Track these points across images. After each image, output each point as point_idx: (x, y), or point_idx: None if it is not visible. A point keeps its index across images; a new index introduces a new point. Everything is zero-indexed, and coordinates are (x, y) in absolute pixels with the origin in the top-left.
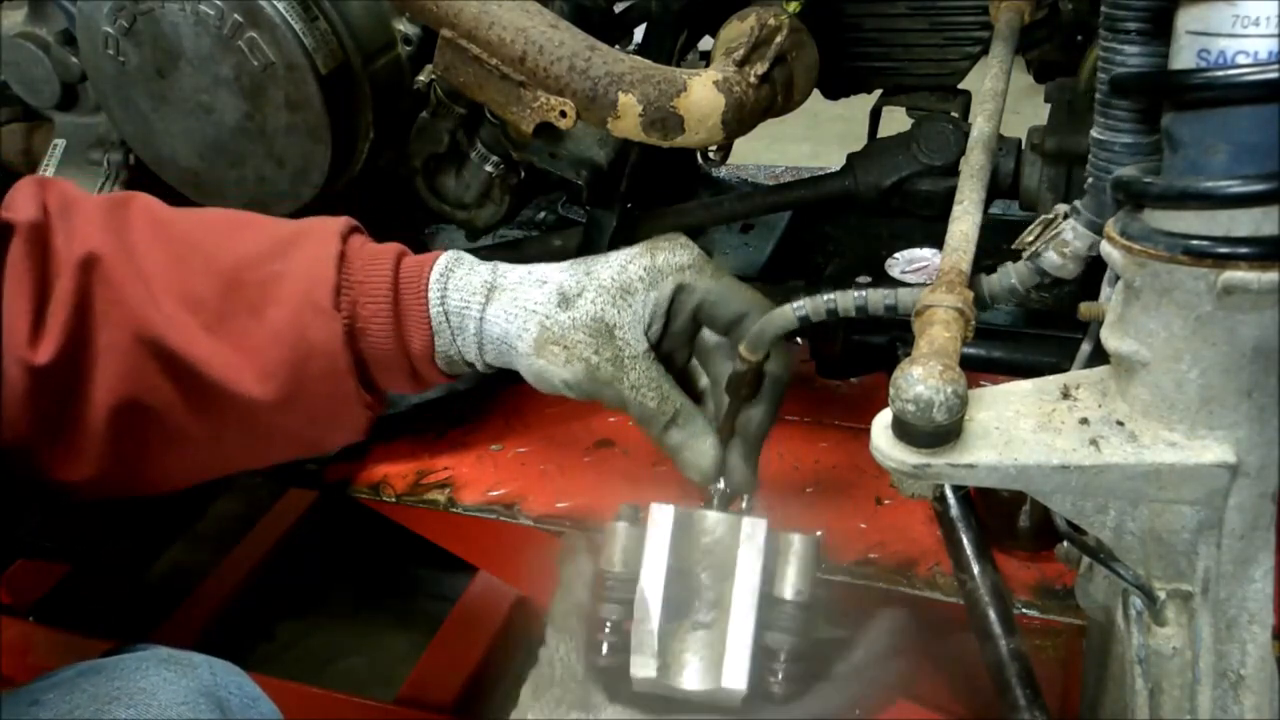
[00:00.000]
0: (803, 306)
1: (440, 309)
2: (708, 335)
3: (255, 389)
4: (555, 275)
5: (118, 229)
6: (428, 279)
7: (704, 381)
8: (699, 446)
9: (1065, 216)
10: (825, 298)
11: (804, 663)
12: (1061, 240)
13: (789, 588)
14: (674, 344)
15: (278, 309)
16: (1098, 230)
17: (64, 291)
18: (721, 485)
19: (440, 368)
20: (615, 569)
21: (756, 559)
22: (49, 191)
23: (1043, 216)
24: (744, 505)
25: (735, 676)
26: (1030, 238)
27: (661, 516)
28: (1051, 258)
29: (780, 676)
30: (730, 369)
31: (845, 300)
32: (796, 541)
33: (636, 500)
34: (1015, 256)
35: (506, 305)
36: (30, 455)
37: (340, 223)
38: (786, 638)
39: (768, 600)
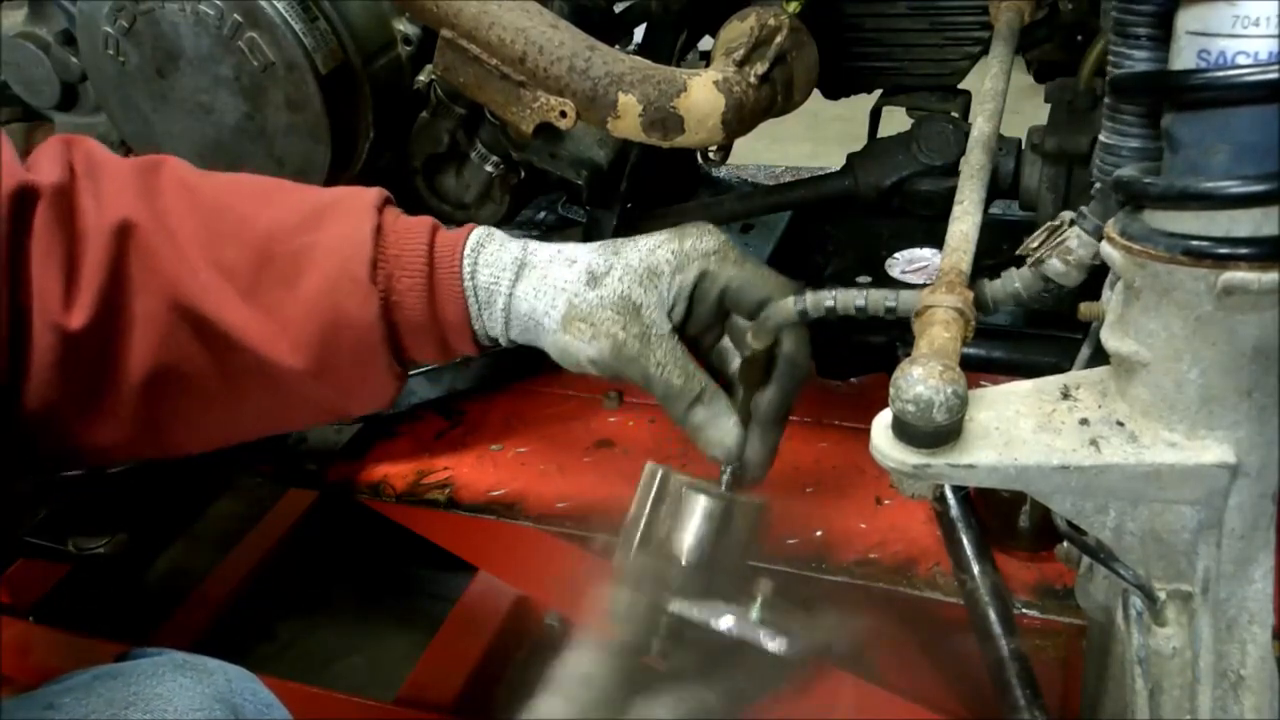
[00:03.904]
0: (802, 301)
1: (470, 284)
2: (738, 317)
3: (289, 358)
4: (584, 255)
5: (149, 195)
6: (461, 253)
7: (735, 364)
8: (723, 424)
9: (1071, 223)
10: (826, 294)
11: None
12: (1066, 248)
13: (678, 548)
14: (700, 327)
15: (312, 280)
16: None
17: (96, 257)
18: (728, 477)
19: (470, 340)
20: None
21: (645, 502)
22: (75, 151)
23: (1048, 224)
24: (729, 479)
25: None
26: (1035, 244)
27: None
28: (1055, 265)
29: (661, 631)
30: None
31: (845, 299)
32: (693, 499)
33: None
34: (1015, 259)
35: (535, 283)
36: (61, 419)
37: (373, 194)
38: (671, 601)
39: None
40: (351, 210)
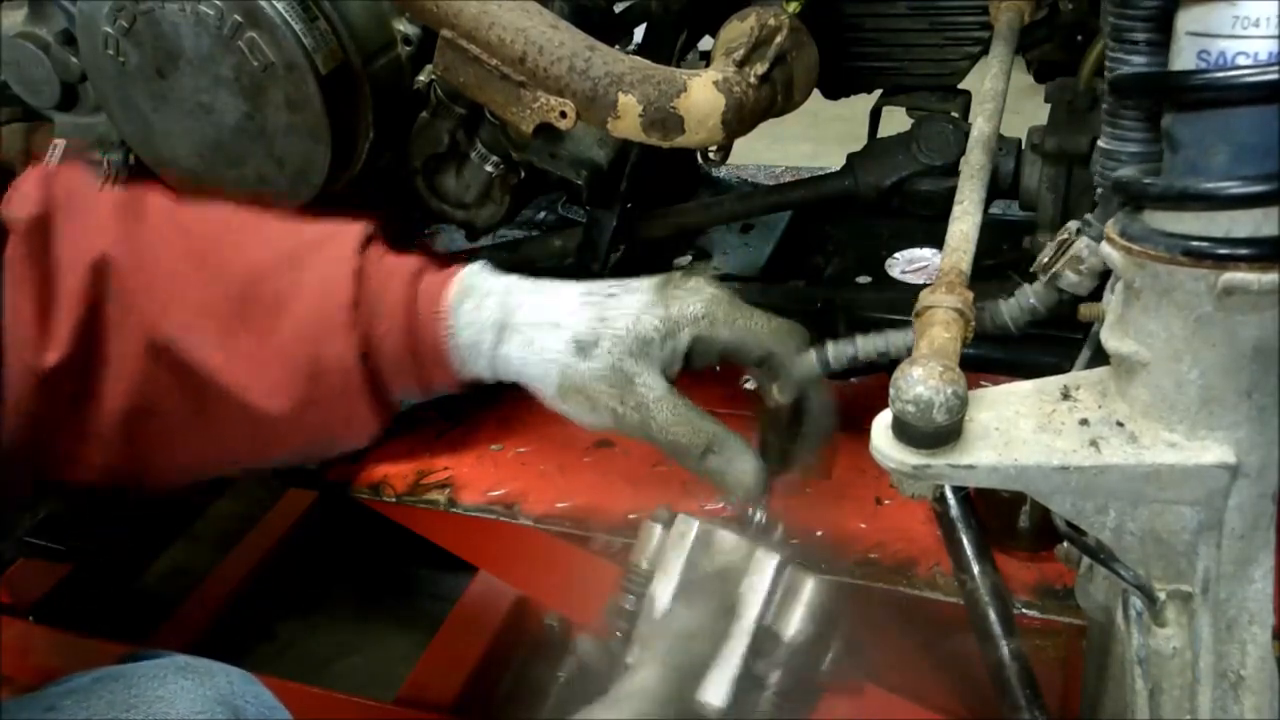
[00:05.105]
0: (824, 353)
1: (453, 342)
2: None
3: (266, 402)
4: (569, 319)
5: (130, 230)
6: (443, 308)
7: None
8: (741, 467)
9: (1078, 232)
10: (845, 344)
11: (790, 698)
12: (1076, 257)
13: (790, 627)
14: (704, 366)
15: (291, 324)
16: None
17: (73, 294)
18: (759, 515)
19: (456, 386)
20: (641, 565)
21: (761, 591)
22: (55, 183)
23: (1057, 238)
24: (758, 519)
25: (715, 693)
26: (1046, 259)
27: (685, 528)
28: (1068, 276)
29: (763, 706)
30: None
31: (867, 346)
32: (809, 584)
33: (638, 502)
34: (1015, 261)
35: (520, 349)
36: (39, 452)
37: (357, 232)
38: (776, 672)
39: (766, 632)
40: (333, 251)
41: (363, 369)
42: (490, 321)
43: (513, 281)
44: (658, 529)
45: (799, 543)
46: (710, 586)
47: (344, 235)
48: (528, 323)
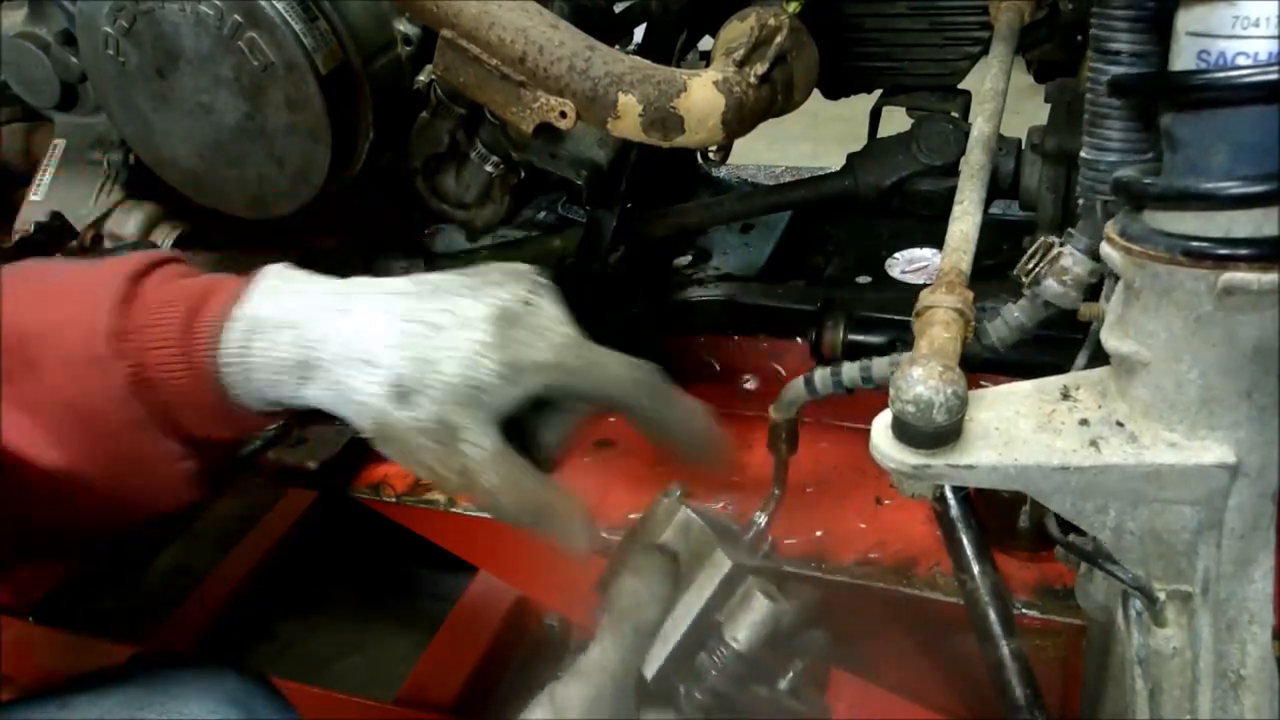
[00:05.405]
0: (812, 381)
1: (242, 386)
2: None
3: (48, 454)
4: (385, 355)
5: None
6: (221, 347)
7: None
8: (571, 536)
9: (1062, 243)
10: (829, 371)
11: (719, 698)
12: (1061, 268)
13: (732, 632)
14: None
15: (55, 362)
16: (1095, 254)
17: None
18: (761, 520)
19: (261, 417)
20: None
21: (707, 588)
22: None
23: (1040, 242)
24: (760, 523)
25: (649, 665)
26: (1030, 265)
27: (672, 509)
28: (1053, 286)
29: (694, 695)
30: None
31: (850, 372)
32: (759, 602)
33: (638, 502)
34: (1014, 261)
35: (328, 388)
36: None
37: (137, 260)
38: (712, 670)
39: (713, 627)
40: (99, 281)
41: (139, 404)
42: (289, 361)
43: (314, 305)
44: (664, 502)
45: (781, 563)
46: (666, 564)
47: (119, 263)
48: (334, 359)
